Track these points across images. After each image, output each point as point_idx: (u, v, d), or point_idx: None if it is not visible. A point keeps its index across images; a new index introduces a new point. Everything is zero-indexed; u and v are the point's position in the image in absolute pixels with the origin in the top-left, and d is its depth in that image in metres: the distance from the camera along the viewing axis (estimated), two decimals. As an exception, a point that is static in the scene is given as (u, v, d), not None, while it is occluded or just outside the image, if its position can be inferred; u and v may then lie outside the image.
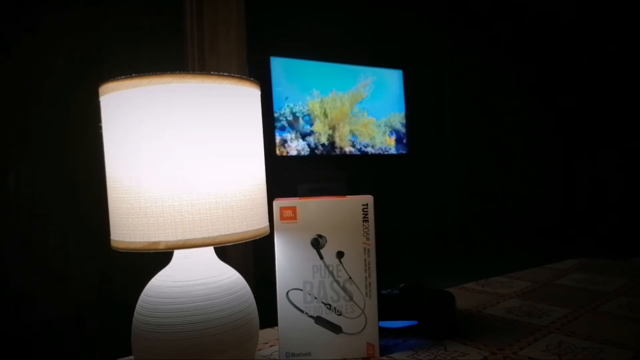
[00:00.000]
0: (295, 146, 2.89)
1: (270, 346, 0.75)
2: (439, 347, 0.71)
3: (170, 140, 0.54)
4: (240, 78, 0.59)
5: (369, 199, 0.69)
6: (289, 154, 2.87)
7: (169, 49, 2.12)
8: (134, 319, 0.60)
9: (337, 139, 3.06)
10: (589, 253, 1.47)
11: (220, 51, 2.10)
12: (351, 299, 0.69)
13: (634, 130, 3.40)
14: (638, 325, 0.77)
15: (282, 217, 0.68)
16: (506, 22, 3.74)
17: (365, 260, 0.69)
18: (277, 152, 2.82)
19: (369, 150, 3.22)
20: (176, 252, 0.62)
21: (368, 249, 0.69)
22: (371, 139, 3.22)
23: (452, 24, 3.64)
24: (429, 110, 3.54)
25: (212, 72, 0.57)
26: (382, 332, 0.75)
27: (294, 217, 0.69)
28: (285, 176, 2.07)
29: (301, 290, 0.69)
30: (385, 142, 3.29)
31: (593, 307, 0.87)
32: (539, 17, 3.69)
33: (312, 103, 2.97)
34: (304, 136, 2.93)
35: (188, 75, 0.54)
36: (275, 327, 0.74)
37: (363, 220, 0.69)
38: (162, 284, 0.59)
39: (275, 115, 2.82)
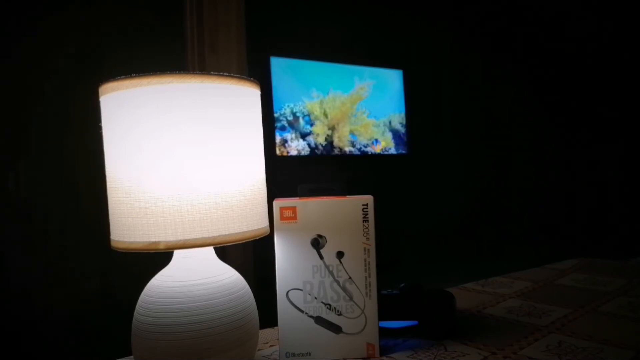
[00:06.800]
0: (295, 146, 2.89)
1: (270, 346, 0.75)
2: (439, 347, 0.71)
3: (170, 140, 0.54)
4: (240, 78, 0.59)
5: (369, 199, 0.69)
6: (289, 154, 2.87)
7: (169, 49, 2.12)
8: (134, 319, 0.60)
9: (336, 139, 3.06)
10: (589, 253, 1.47)
11: (220, 51, 2.09)
12: (351, 299, 0.69)
13: (634, 129, 3.40)
14: (638, 325, 0.77)
15: (282, 217, 0.68)
16: (506, 22, 3.74)
17: (365, 260, 0.69)
18: (277, 152, 2.82)
19: (369, 150, 3.22)
20: (176, 252, 0.62)
21: (368, 249, 0.69)
22: (371, 139, 3.22)
23: (452, 24, 3.64)
24: (428, 110, 3.54)
25: (212, 72, 0.57)
26: (382, 332, 0.75)
27: (294, 217, 0.68)
28: (285, 176, 2.07)
29: (301, 290, 0.69)
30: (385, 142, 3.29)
31: (593, 307, 0.87)
32: (539, 17, 3.68)
33: (312, 104, 2.97)
34: (304, 136, 2.92)
35: (188, 75, 0.54)
36: (275, 327, 0.74)
37: (363, 220, 0.69)
38: (162, 284, 0.59)
39: (275, 115, 2.82)
